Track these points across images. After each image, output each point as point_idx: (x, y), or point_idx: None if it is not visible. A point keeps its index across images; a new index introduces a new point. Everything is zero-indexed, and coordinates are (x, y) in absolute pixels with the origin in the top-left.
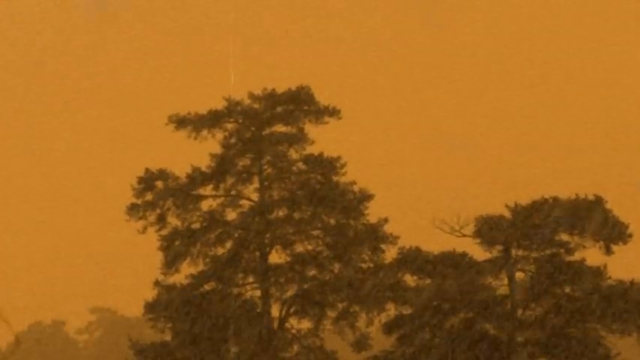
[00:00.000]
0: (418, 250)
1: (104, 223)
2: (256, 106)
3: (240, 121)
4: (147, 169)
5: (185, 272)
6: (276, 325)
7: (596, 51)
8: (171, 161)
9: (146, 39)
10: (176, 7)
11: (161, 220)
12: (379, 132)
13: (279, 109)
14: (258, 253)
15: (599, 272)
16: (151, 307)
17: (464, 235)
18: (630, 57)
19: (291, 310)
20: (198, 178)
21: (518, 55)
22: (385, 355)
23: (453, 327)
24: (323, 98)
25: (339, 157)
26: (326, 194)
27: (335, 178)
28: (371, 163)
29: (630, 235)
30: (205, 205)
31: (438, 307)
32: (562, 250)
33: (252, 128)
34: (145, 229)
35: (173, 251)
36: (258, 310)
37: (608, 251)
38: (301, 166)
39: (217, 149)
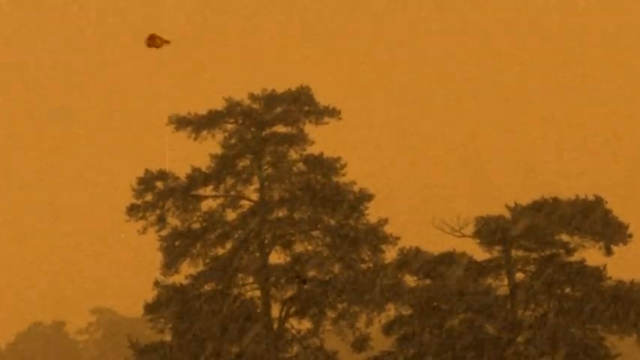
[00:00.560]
0: (418, 250)
1: (104, 224)
2: (256, 106)
3: (240, 121)
4: (147, 170)
5: (185, 272)
6: (276, 325)
7: (597, 51)
8: (171, 162)
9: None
10: (176, 7)
11: (161, 220)
12: (379, 132)
13: (279, 109)
14: (258, 254)
15: (599, 272)
16: (150, 308)
17: (464, 236)
18: (630, 57)
19: (291, 310)
20: (198, 178)
21: (518, 55)
22: (385, 355)
23: (453, 327)
24: (323, 98)
25: (339, 158)
26: (326, 194)
27: (335, 179)
28: (371, 163)
29: (630, 235)
30: (205, 206)
31: (438, 308)
32: (562, 251)
33: (252, 129)
34: (145, 229)
35: (173, 251)
36: (258, 311)
37: (608, 251)
38: (301, 166)
39: (217, 150)
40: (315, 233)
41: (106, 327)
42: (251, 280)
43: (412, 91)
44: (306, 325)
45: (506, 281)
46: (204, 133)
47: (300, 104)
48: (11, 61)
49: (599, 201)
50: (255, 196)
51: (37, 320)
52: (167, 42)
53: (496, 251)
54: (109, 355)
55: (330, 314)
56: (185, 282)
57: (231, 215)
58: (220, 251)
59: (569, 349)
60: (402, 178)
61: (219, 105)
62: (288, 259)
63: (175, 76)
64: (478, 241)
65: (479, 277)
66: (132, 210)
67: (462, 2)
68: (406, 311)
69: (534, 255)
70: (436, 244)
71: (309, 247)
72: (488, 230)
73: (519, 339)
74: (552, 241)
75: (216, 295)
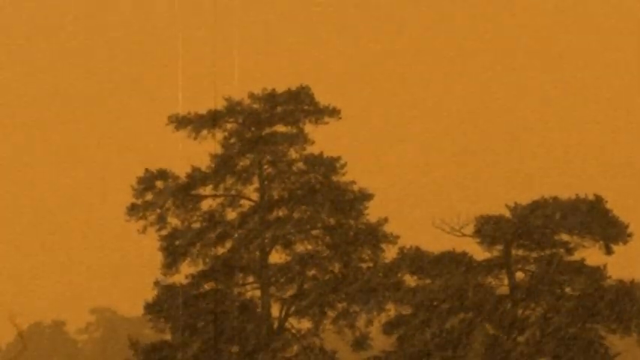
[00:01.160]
0: (418, 249)
1: (104, 224)
2: (256, 106)
3: (240, 121)
4: (147, 170)
5: (185, 272)
6: (276, 325)
7: (597, 51)
8: (171, 161)
9: (146, 38)
10: (176, 6)
11: (161, 220)
12: (379, 132)
13: (279, 109)
14: (258, 253)
15: (599, 272)
16: (151, 307)
17: (464, 235)
18: (631, 57)
19: (291, 309)
20: (198, 178)
21: (518, 54)
22: (385, 355)
23: (453, 327)
24: (323, 98)
25: (339, 157)
26: (326, 194)
27: (335, 178)
28: (371, 163)
29: (630, 235)
30: (205, 205)
31: (438, 307)
32: (562, 250)
33: (252, 128)
34: (145, 229)
35: (173, 251)
36: (258, 310)
37: (608, 251)
38: (301, 166)
39: (217, 149)
40: (315, 233)
41: (106, 327)
42: (251, 279)
43: (412, 90)
44: (305, 324)
45: (506, 281)
46: (204, 132)
47: (300, 104)
48: (10, 60)
49: (599, 201)
50: (255, 196)
51: (37, 320)
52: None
53: (496, 251)
54: (109, 355)
55: (330, 314)
56: (185, 282)
57: (231, 215)
58: (220, 251)
59: (569, 349)
60: (402, 178)
61: (219, 105)
62: (288, 258)
63: (175, 76)
64: (478, 240)
65: (479, 277)
66: (132, 210)
67: (463, 2)
68: (406, 311)
69: (534, 255)
70: (436, 244)
71: (309, 247)
72: (488, 230)
73: (519, 339)
74: (552, 241)
75: (217, 295)
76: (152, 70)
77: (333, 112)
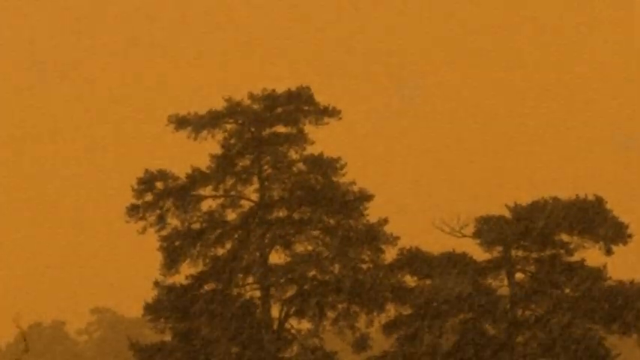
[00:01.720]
0: (418, 250)
1: (104, 224)
2: (256, 106)
3: (240, 121)
4: (146, 170)
5: (185, 273)
6: (276, 325)
7: (597, 50)
8: (171, 162)
9: (146, 38)
10: (175, 6)
11: (161, 220)
12: (379, 132)
13: (279, 109)
14: (258, 254)
15: (599, 272)
16: (150, 308)
17: (464, 236)
18: (631, 56)
19: (291, 310)
20: (198, 178)
21: (518, 54)
22: (385, 355)
23: (453, 327)
24: (323, 98)
25: (339, 158)
26: (326, 194)
27: (335, 179)
28: (371, 163)
29: (630, 235)
30: (205, 206)
31: (438, 308)
32: (562, 251)
33: (252, 129)
34: (144, 229)
35: (173, 252)
36: (257, 311)
37: (608, 251)
38: (301, 166)
39: (217, 150)
40: (314, 233)
41: (106, 327)
42: (251, 280)
43: (412, 90)
44: (305, 325)
45: (506, 281)
46: (204, 133)
47: (300, 104)
48: (10, 59)
49: (599, 201)
50: (255, 196)
51: (37, 320)
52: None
53: (496, 251)
54: (109, 356)
55: (330, 314)
56: (185, 282)
57: (231, 215)
58: (220, 251)
59: (569, 349)
60: (402, 178)
61: (219, 105)
62: (288, 259)
63: (175, 76)
64: (478, 241)
65: (479, 277)
66: (132, 210)
67: (463, 2)
68: (406, 311)
69: (534, 255)
70: (436, 244)
71: (309, 247)
72: (488, 230)
73: (519, 339)
74: (552, 241)
75: (216, 296)
76: (152, 71)
77: (333, 113)
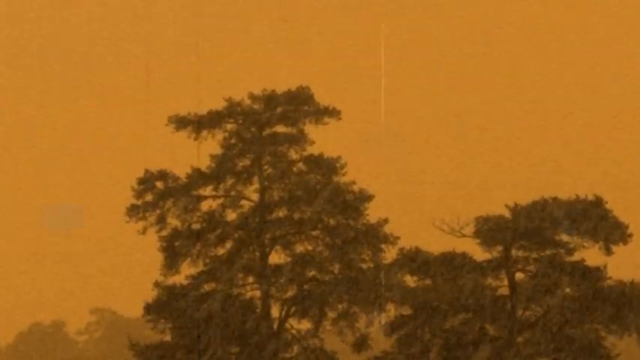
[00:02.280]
0: (418, 250)
1: (104, 224)
2: (256, 106)
3: (240, 121)
4: (147, 170)
5: (185, 273)
6: (276, 325)
7: (597, 50)
8: (171, 162)
9: (148, 39)
10: (176, 6)
11: (161, 220)
12: (379, 132)
13: (279, 109)
14: (258, 254)
15: (599, 272)
16: (151, 308)
17: (464, 236)
18: (631, 56)
19: (291, 310)
20: (198, 178)
21: (518, 54)
22: (385, 355)
23: (453, 328)
24: (323, 99)
25: (339, 158)
26: (326, 195)
27: (335, 179)
28: (371, 163)
29: (630, 235)
30: (205, 206)
31: (438, 308)
32: (562, 251)
33: (252, 129)
34: (144, 229)
35: (173, 252)
36: (258, 311)
37: (608, 251)
38: (301, 166)
39: (217, 150)
40: (315, 233)
41: (106, 327)
42: (251, 280)
43: (412, 90)
44: (306, 325)
45: (506, 281)
46: (205, 133)
47: (300, 104)
48: (10, 59)
49: (599, 201)
50: (255, 197)
51: (37, 320)
52: None
53: (496, 251)
54: (109, 356)
55: (330, 314)
56: (185, 282)
57: (231, 215)
58: (220, 251)
59: (569, 349)
60: (402, 179)
61: (219, 105)
62: (288, 259)
63: (175, 76)
64: (478, 241)
65: (479, 277)
66: (132, 210)
67: (464, 2)
68: (406, 311)
69: (534, 255)
70: (436, 244)
71: (309, 247)
72: (488, 230)
73: (519, 339)
74: (552, 241)
75: (217, 296)
76: (153, 71)
77: (333, 113)
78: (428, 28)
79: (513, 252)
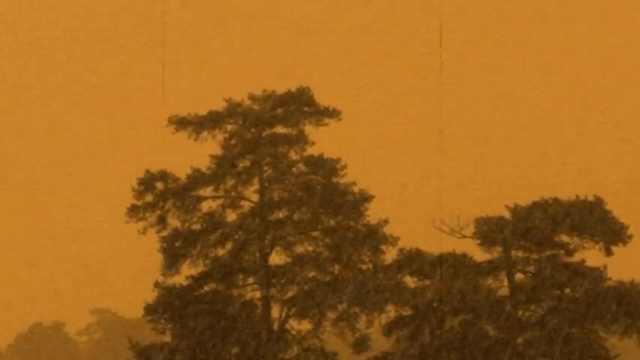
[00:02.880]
0: (418, 251)
1: (104, 225)
2: (256, 107)
3: (241, 122)
4: (147, 171)
5: (185, 273)
6: (276, 326)
7: (597, 50)
8: (171, 162)
9: (148, 39)
10: (175, 7)
11: (161, 221)
12: (379, 133)
13: (279, 110)
14: (258, 255)
15: (599, 273)
16: (151, 309)
17: (464, 236)
18: (631, 56)
19: (292, 311)
20: (198, 179)
21: (518, 54)
22: (385, 356)
23: (453, 328)
24: (323, 99)
25: (339, 159)
26: (326, 195)
27: (335, 179)
28: (371, 163)
29: (630, 236)
30: (205, 207)
31: (438, 309)
32: (562, 251)
33: (252, 129)
34: (145, 230)
35: (173, 252)
36: (258, 312)
37: (608, 252)
38: (301, 167)
39: (217, 150)
40: (315, 234)
41: (106, 328)
42: (251, 280)
43: (412, 90)
44: (306, 326)
45: (506, 282)
46: (205, 133)
47: (300, 105)
48: (10, 58)
49: (599, 201)
50: (255, 197)
51: (37, 321)
52: None
53: (496, 252)
54: (109, 357)
55: (330, 315)
56: (185, 283)
57: (231, 216)
58: (220, 252)
59: (569, 350)
60: (402, 180)
61: (219, 105)
62: (289, 260)
63: (175, 76)
64: (478, 241)
65: (479, 278)
66: (132, 211)
67: (463, 2)
68: (406, 312)
69: (534, 255)
70: (436, 245)
71: (309, 248)
72: (488, 231)
73: (519, 339)
74: (552, 242)
75: (217, 296)
76: (153, 71)
77: (334, 114)
78: (428, 28)
79: (513, 253)
